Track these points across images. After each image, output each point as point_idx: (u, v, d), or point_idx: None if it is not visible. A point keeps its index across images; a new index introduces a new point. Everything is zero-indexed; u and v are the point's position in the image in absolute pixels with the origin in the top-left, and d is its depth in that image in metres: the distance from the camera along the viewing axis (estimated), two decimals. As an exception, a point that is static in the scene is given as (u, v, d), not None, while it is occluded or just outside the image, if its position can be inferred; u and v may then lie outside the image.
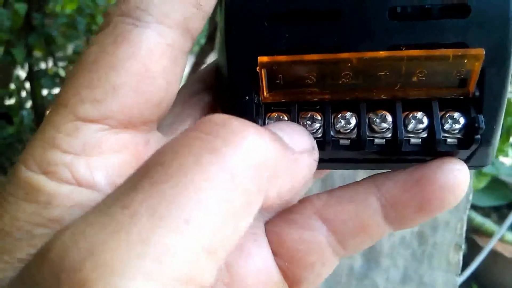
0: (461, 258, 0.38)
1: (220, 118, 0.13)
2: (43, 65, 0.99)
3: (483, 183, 0.90)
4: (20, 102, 1.03)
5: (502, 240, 0.93)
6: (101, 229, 0.11)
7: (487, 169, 0.89)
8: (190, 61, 0.97)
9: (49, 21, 0.89)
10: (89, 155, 0.15)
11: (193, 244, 0.11)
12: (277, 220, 0.20)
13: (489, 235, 0.92)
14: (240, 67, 0.17)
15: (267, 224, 0.20)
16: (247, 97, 0.17)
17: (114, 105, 0.15)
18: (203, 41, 0.99)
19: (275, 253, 0.20)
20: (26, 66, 0.94)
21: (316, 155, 0.16)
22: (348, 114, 0.17)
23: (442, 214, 0.38)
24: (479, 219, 0.97)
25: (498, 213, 1.05)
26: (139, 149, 0.16)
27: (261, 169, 0.13)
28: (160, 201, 0.11)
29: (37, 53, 0.97)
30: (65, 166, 0.15)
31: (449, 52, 0.16)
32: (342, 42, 0.16)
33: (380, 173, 0.19)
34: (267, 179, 0.13)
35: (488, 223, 0.97)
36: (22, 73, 1.02)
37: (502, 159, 0.97)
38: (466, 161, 0.18)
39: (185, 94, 0.20)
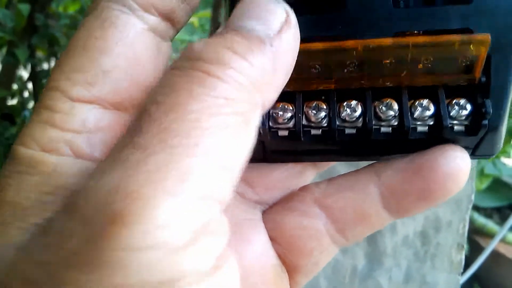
0: (463, 258, 0.38)
1: (195, 50, 0.14)
2: (45, 66, 0.99)
3: (485, 184, 0.90)
4: (23, 103, 1.03)
5: (504, 241, 0.93)
6: (119, 169, 0.12)
7: (489, 170, 0.88)
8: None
9: (52, 22, 0.90)
10: (89, 132, 0.15)
11: (207, 162, 0.12)
12: (275, 207, 0.20)
13: (491, 236, 0.91)
14: None
15: (264, 212, 0.20)
16: None
17: (106, 88, 0.15)
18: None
19: (273, 239, 0.20)
20: (29, 66, 0.95)
21: (293, 23, 0.15)
22: (353, 102, 0.17)
23: (444, 215, 0.38)
24: (481, 220, 0.97)
25: (500, 214, 1.04)
26: None
27: (249, 85, 0.13)
28: (167, 133, 0.12)
29: (40, 54, 0.97)
30: (66, 143, 0.15)
31: (455, 38, 0.15)
32: (347, 31, 0.16)
33: (381, 161, 0.19)
34: (257, 90, 0.14)
35: (490, 224, 0.97)
36: (24, 73, 1.02)
37: (504, 160, 0.97)
38: (474, 150, 0.17)
39: None
